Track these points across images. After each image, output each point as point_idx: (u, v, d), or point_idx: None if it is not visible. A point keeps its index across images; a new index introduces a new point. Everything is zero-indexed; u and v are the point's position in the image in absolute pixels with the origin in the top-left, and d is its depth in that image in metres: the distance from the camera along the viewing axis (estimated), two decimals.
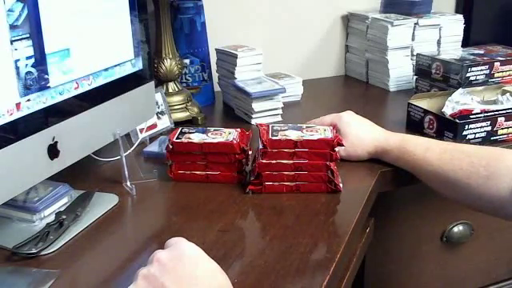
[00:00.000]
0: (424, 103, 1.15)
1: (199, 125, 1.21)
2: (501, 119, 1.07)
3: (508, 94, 1.14)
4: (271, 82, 1.25)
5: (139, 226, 0.84)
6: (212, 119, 1.29)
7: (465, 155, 0.87)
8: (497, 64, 1.24)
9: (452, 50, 1.42)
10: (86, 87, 0.84)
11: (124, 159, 0.92)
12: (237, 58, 1.26)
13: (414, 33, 1.46)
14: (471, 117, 1.05)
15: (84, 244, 0.77)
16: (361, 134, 0.99)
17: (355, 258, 0.88)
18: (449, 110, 1.07)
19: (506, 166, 0.82)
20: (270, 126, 0.93)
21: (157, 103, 1.14)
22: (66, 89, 0.80)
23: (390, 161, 0.97)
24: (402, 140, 0.95)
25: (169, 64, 1.21)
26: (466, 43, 1.52)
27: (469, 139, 1.05)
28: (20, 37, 0.70)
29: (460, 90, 1.13)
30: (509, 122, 1.07)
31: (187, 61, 1.34)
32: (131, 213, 0.88)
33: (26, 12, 0.70)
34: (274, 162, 0.88)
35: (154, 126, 1.13)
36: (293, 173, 0.89)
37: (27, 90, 0.72)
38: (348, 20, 1.61)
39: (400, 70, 1.47)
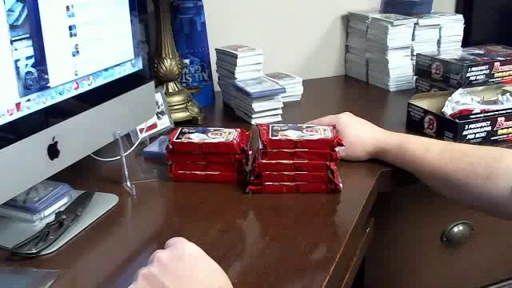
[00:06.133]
0: (424, 103, 1.15)
1: (199, 125, 1.21)
2: (501, 119, 1.07)
3: (508, 94, 1.14)
4: (271, 82, 1.25)
5: (139, 226, 0.84)
6: (212, 119, 1.29)
7: (464, 155, 0.87)
8: (497, 64, 1.24)
9: (452, 49, 1.42)
10: (86, 87, 0.84)
11: (124, 159, 0.92)
12: (237, 57, 1.26)
13: (414, 33, 1.46)
14: (471, 117, 1.05)
15: (84, 244, 0.77)
16: (360, 134, 0.99)
17: (355, 257, 0.88)
18: (449, 110, 1.07)
19: (505, 167, 0.82)
20: (270, 126, 0.93)
21: (157, 103, 1.14)
22: (66, 89, 0.80)
23: (389, 161, 0.97)
24: (401, 140, 0.95)
25: (169, 64, 1.21)
26: (466, 43, 1.52)
27: (469, 139, 1.05)
28: (20, 37, 0.70)
29: (460, 90, 1.13)
30: (509, 122, 1.07)
31: (187, 61, 1.34)
32: (131, 213, 0.88)
33: (25, 12, 0.70)
34: (274, 161, 0.88)
35: (154, 125, 1.13)
36: (293, 173, 0.89)
37: (27, 90, 0.72)
38: (348, 20, 1.61)
39: (400, 70, 1.47)
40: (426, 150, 0.91)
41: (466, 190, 0.85)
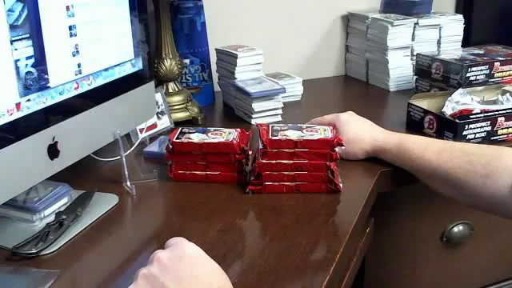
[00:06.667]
0: (424, 103, 1.15)
1: (199, 125, 1.21)
2: (501, 119, 1.07)
3: (508, 94, 1.14)
4: (271, 82, 1.25)
5: (139, 226, 0.84)
6: (212, 119, 1.29)
7: (463, 154, 0.87)
8: (497, 64, 1.24)
9: (452, 49, 1.42)
10: (86, 87, 0.84)
11: (124, 159, 0.92)
12: (237, 57, 1.26)
13: (414, 33, 1.46)
14: (471, 117, 1.05)
15: (84, 244, 0.77)
16: (358, 132, 0.99)
17: (355, 257, 0.88)
18: (449, 110, 1.07)
19: (504, 165, 0.82)
20: (270, 126, 0.93)
21: (157, 103, 1.14)
22: (66, 89, 0.80)
23: (388, 160, 0.97)
24: (400, 139, 0.95)
25: (169, 64, 1.21)
26: (466, 43, 1.52)
27: (469, 139, 1.05)
28: (20, 37, 0.70)
29: (460, 90, 1.13)
30: (509, 122, 1.07)
31: (187, 61, 1.34)
32: (131, 213, 0.88)
33: (26, 12, 0.70)
34: (274, 162, 0.88)
35: (154, 125, 1.13)
36: (293, 173, 0.89)
37: (27, 90, 0.72)
38: (348, 20, 1.61)
39: (400, 70, 1.47)
40: (425, 149, 0.91)
41: (466, 188, 0.85)
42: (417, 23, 1.45)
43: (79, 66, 0.82)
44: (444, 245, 1.14)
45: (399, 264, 1.13)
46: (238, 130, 0.95)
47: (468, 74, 1.22)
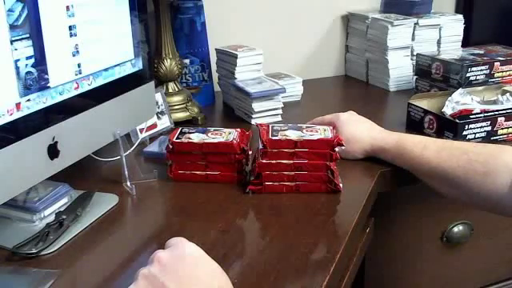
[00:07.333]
0: (424, 103, 1.15)
1: (199, 125, 1.21)
2: (501, 119, 1.07)
3: (508, 94, 1.14)
4: (271, 82, 1.25)
5: (139, 226, 0.84)
6: (212, 119, 1.29)
7: (462, 152, 0.87)
8: (497, 64, 1.24)
9: (452, 49, 1.42)
10: (86, 87, 0.84)
11: (124, 159, 0.92)
12: (237, 57, 1.26)
13: (414, 33, 1.46)
14: (471, 117, 1.05)
15: (84, 244, 0.77)
16: (357, 131, 0.99)
17: (355, 257, 0.88)
18: (449, 110, 1.07)
19: (503, 163, 0.82)
20: (270, 126, 0.93)
21: (157, 103, 1.14)
22: (66, 89, 0.80)
23: (387, 159, 0.97)
24: (399, 138, 0.95)
25: (169, 64, 1.21)
26: (466, 43, 1.52)
27: (469, 139, 1.05)
28: (20, 37, 0.70)
29: (460, 90, 1.13)
30: (509, 122, 1.07)
31: (187, 61, 1.34)
32: (131, 213, 0.88)
33: (26, 12, 0.70)
34: (274, 161, 0.88)
35: (154, 125, 1.13)
36: (293, 173, 0.89)
37: (27, 90, 0.72)
38: (348, 20, 1.61)
39: (400, 70, 1.47)
40: (424, 148, 0.91)
41: (466, 187, 0.85)
42: (417, 23, 1.45)
43: (79, 65, 0.82)
44: (444, 245, 1.14)
45: (399, 264, 1.13)
46: (238, 130, 0.95)
47: (468, 74, 1.22)
